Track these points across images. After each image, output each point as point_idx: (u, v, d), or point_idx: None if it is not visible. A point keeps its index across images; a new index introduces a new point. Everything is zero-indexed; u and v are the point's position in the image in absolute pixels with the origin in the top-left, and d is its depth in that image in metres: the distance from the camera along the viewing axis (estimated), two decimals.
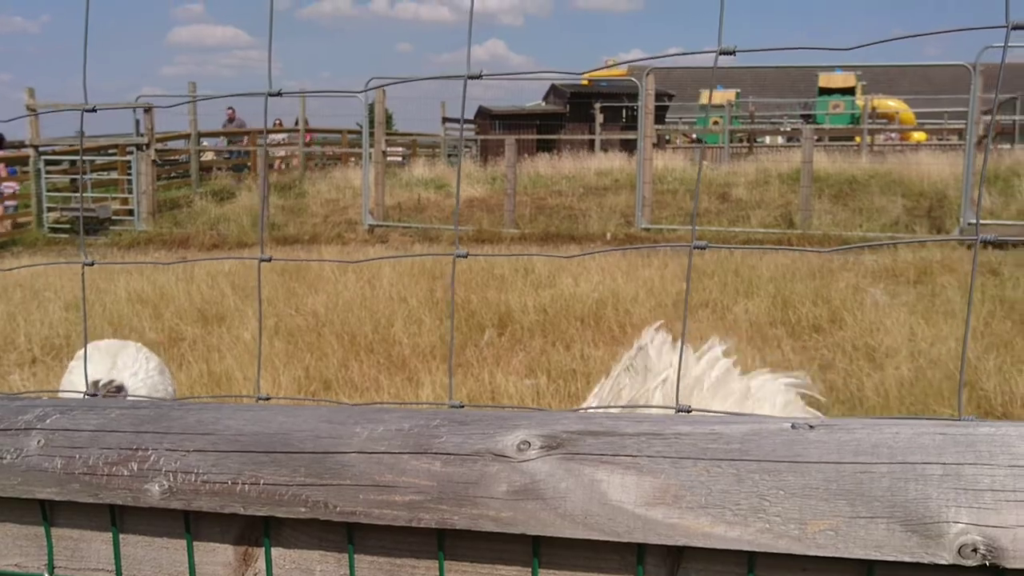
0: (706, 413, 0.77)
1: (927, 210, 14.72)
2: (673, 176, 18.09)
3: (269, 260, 1.29)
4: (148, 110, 15.70)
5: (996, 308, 7.72)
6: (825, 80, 29.98)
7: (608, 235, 13.69)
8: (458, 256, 1.12)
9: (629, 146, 19.39)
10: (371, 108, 16.63)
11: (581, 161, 19.62)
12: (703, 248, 1.05)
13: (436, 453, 0.78)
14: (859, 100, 28.40)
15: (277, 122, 26.14)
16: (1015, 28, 1.18)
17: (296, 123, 25.48)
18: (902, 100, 30.98)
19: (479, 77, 1.13)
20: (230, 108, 24.25)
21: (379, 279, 10.01)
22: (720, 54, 1.05)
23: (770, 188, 16.50)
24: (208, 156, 23.00)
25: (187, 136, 21.20)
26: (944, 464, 0.65)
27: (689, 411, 0.80)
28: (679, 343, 2.00)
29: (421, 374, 6.47)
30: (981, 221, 13.27)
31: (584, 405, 2.03)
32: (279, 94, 1.24)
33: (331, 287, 9.73)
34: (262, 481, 0.82)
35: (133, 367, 2.21)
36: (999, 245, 12.24)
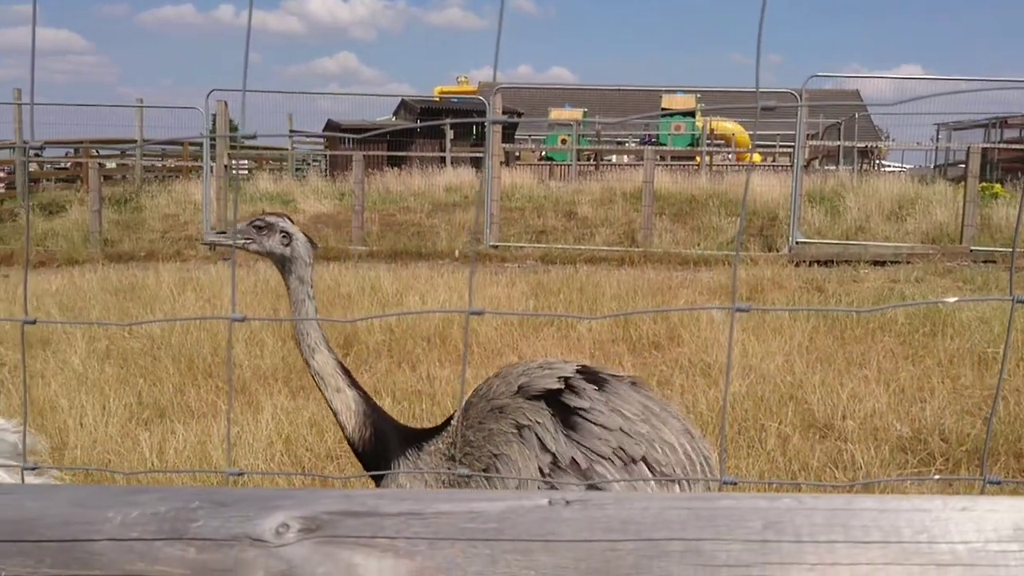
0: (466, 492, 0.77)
1: (759, 229, 15.48)
2: (521, 193, 18.35)
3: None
4: None
5: (820, 324, 8.17)
6: (667, 102, 31.06)
7: (456, 253, 13.74)
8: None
9: (479, 162, 19.55)
10: (214, 119, 16.17)
11: (430, 177, 19.63)
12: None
13: (191, 539, 0.74)
14: (699, 122, 29.61)
15: None
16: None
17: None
18: (738, 123, 32.53)
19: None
20: None
21: (220, 298, 9.70)
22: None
23: (615, 207, 16.97)
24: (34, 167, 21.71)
25: (11, 146, 19.99)
26: (685, 540, 0.67)
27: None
28: None
29: (261, 398, 6.29)
30: (807, 239, 13.99)
31: None
32: None
33: (168, 307, 9.36)
34: (3, 573, 0.76)
35: None
36: (825, 262, 13.00)
